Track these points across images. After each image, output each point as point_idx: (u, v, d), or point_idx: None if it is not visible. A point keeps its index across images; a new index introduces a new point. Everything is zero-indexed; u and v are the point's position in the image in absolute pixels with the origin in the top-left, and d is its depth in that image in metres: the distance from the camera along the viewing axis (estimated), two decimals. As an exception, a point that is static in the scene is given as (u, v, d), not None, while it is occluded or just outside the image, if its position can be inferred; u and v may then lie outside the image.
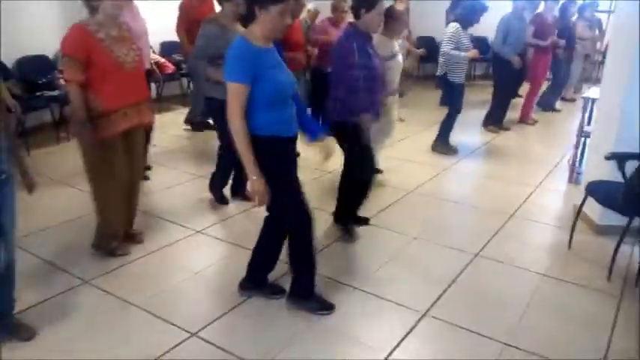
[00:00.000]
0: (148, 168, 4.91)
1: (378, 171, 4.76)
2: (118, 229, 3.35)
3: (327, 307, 2.86)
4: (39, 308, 2.80)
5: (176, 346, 2.56)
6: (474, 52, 5.27)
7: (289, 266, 2.87)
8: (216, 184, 4.22)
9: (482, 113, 6.71)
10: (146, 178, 4.55)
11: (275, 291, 2.97)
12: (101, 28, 2.98)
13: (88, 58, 2.92)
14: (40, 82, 5.33)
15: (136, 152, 3.33)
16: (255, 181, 2.50)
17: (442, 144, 5.66)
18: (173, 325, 2.71)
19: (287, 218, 2.76)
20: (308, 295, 2.86)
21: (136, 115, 3.17)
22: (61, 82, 5.42)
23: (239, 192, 4.28)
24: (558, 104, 7.84)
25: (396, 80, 4.43)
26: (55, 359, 2.44)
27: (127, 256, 3.34)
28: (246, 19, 2.56)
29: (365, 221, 3.89)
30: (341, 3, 5.39)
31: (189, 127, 6.26)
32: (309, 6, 5.98)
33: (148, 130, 3.95)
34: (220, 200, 4.20)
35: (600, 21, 8.44)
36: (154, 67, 4.82)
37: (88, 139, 2.98)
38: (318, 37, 5.39)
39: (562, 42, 6.89)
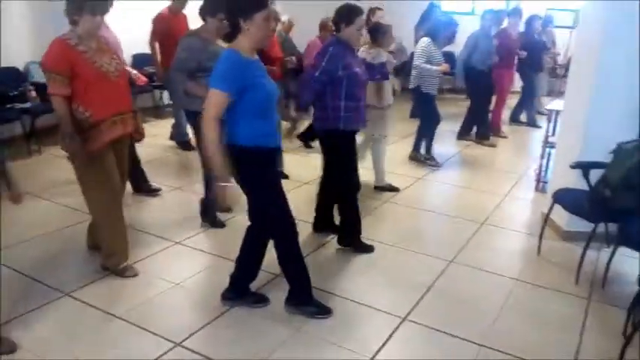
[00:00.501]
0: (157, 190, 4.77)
1: (393, 188, 4.96)
2: (123, 246, 3.29)
3: (325, 311, 2.93)
4: (19, 321, 2.77)
5: (161, 356, 2.57)
6: (445, 67, 5.44)
7: (284, 275, 2.93)
8: (209, 210, 4.06)
9: (453, 125, 6.89)
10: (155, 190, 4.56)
11: (258, 300, 3.02)
12: (81, 41, 2.99)
13: (71, 71, 2.93)
14: (10, 94, 5.27)
15: (123, 162, 3.32)
16: (226, 187, 2.55)
17: (418, 154, 5.84)
18: (156, 335, 2.72)
19: (270, 228, 2.82)
20: (306, 301, 2.92)
21: (122, 124, 3.15)
22: (32, 94, 5.38)
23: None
24: (536, 117, 7.99)
25: (390, 92, 4.74)
26: (38, 372, 2.43)
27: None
28: (231, 35, 2.58)
29: (370, 249, 3.78)
30: (328, 22, 5.54)
31: (175, 144, 6.09)
32: (283, 18, 6.11)
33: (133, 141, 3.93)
34: (215, 224, 4.05)
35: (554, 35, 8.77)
36: (132, 76, 4.80)
37: (79, 151, 2.98)
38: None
39: (523, 54, 7.16)
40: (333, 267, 3.55)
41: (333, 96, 3.40)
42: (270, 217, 2.76)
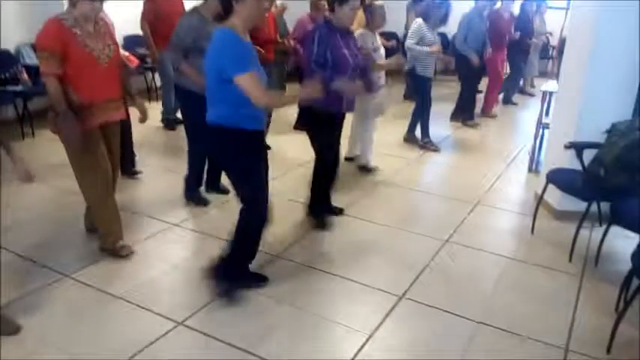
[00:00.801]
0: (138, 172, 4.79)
1: (369, 169, 5.01)
2: (117, 226, 3.32)
3: (227, 295, 2.88)
4: (20, 303, 2.79)
5: (164, 335, 2.61)
6: (436, 47, 5.43)
7: (230, 243, 2.90)
8: (191, 187, 4.13)
9: (444, 107, 6.91)
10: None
11: (258, 279, 3.04)
12: (77, 24, 2.97)
13: (63, 52, 2.92)
14: (2, 77, 5.20)
15: (114, 147, 3.33)
16: (309, 91, 2.73)
17: (412, 135, 5.85)
18: (158, 314, 2.76)
19: (245, 205, 2.82)
20: (232, 278, 2.91)
21: (110, 110, 3.16)
22: (24, 76, 5.33)
23: (214, 187, 4.30)
24: (515, 97, 8.13)
25: (381, 73, 4.71)
26: (41, 352, 2.45)
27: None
28: (224, 15, 2.56)
29: (339, 211, 4.00)
30: (320, 1, 5.50)
31: (164, 124, 6.11)
32: (277, 1, 6.06)
33: (127, 127, 3.92)
34: (199, 202, 4.10)
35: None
36: (126, 61, 4.76)
37: (72, 128, 2.95)
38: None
39: (516, 34, 7.18)
40: (329, 247, 3.59)
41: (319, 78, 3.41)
42: (246, 196, 2.79)
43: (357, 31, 4.56)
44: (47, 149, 5.02)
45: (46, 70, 2.92)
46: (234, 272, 2.94)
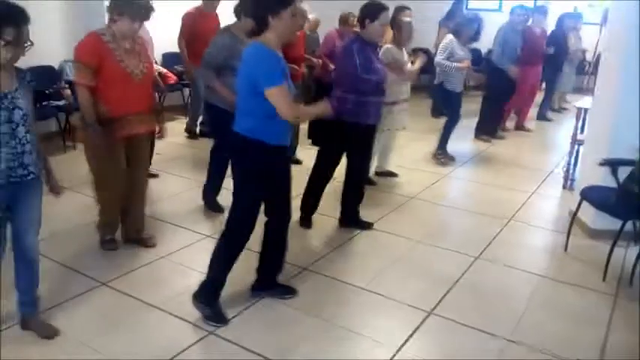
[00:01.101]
0: (155, 176, 5.04)
1: (393, 174, 5.17)
2: (113, 221, 3.51)
3: (220, 320, 2.83)
4: (60, 309, 2.89)
5: (195, 342, 2.67)
6: (466, 63, 5.42)
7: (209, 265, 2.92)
8: (208, 193, 4.27)
9: (474, 122, 6.88)
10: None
11: (286, 291, 3.09)
12: (114, 39, 3.14)
13: (98, 65, 3.08)
14: (47, 92, 5.43)
15: (139, 159, 3.48)
16: (322, 108, 2.79)
17: (442, 153, 5.82)
18: (190, 323, 2.82)
19: (231, 219, 2.85)
20: (208, 302, 2.86)
21: (140, 123, 3.31)
22: (67, 92, 5.55)
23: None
24: (550, 114, 8.03)
25: (407, 86, 4.87)
26: (78, 354, 2.54)
27: (141, 258, 3.46)
28: (258, 31, 2.63)
29: (368, 226, 4.03)
30: (350, 17, 5.58)
31: (187, 134, 6.36)
32: (310, 16, 6.17)
33: (152, 139, 4.05)
34: (214, 208, 4.22)
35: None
36: (157, 77, 4.92)
37: (96, 139, 3.13)
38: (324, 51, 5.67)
39: (550, 49, 7.13)
40: (358, 261, 3.61)
41: (356, 91, 3.48)
42: (240, 212, 2.81)
43: (385, 45, 4.64)
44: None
45: (78, 80, 3.10)
46: (207, 298, 2.87)
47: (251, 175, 2.75)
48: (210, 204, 4.28)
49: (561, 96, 8.53)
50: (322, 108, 2.83)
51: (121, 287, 3.14)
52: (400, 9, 7.51)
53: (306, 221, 3.97)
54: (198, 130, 6.37)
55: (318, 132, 3.72)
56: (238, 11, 3.79)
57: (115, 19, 3.10)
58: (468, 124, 6.58)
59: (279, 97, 2.55)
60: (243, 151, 2.72)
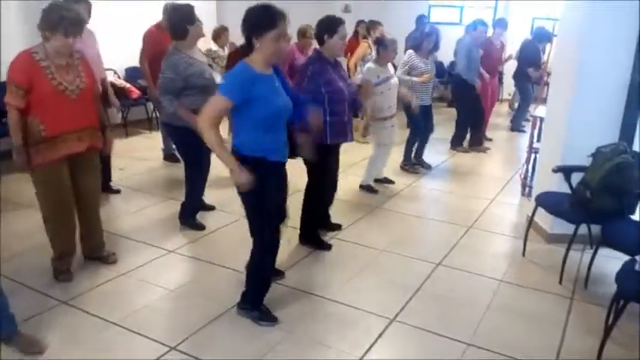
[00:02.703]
0: (117, 191, 4.99)
1: (389, 181, 5.34)
2: (65, 252, 3.40)
3: (270, 319, 2.97)
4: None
5: (157, 359, 2.65)
6: (426, 76, 5.57)
7: (246, 277, 3.01)
8: (186, 214, 4.23)
9: (440, 133, 7.01)
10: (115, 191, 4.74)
11: (264, 317, 3.00)
12: (47, 57, 3.04)
13: (29, 85, 2.99)
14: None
15: (87, 177, 3.40)
16: (236, 174, 2.63)
17: (407, 164, 5.95)
18: (152, 340, 2.80)
19: (254, 235, 2.90)
20: (254, 306, 2.99)
21: (79, 141, 3.22)
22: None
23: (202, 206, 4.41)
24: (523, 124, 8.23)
25: (394, 100, 5.01)
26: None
27: (102, 276, 3.41)
28: (247, 50, 2.69)
29: (337, 227, 4.08)
30: (308, 30, 5.64)
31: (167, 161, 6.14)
32: None
33: (103, 155, 4.00)
34: (195, 226, 4.20)
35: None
36: (109, 91, 4.87)
37: (24, 163, 3.07)
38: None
39: (508, 59, 7.41)
40: (323, 271, 3.64)
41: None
42: (259, 231, 2.87)
43: (366, 65, 4.76)
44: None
45: (8, 101, 2.99)
46: (252, 303, 3.00)
47: (251, 192, 2.74)
48: (190, 223, 4.21)
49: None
50: (232, 168, 2.63)
51: (81, 305, 3.09)
52: (372, 24, 7.74)
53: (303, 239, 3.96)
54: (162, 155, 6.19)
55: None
56: (177, 28, 3.76)
57: (48, 36, 3.01)
58: (434, 134, 6.69)
59: (211, 102, 2.62)
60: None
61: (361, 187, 5.23)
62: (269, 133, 2.69)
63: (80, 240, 3.57)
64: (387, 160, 5.41)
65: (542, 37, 7.60)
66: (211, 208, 4.53)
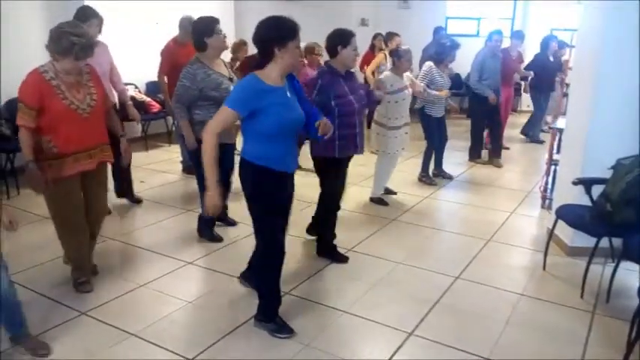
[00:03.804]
0: (140, 201, 5.05)
1: (391, 192, 5.35)
2: (82, 264, 3.44)
3: (286, 331, 2.97)
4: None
5: (174, 370, 2.67)
6: (444, 92, 5.62)
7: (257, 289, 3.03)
8: (202, 226, 4.26)
9: (456, 144, 6.99)
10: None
11: (280, 329, 2.99)
12: (58, 75, 3.07)
13: (41, 104, 3.01)
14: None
15: (94, 193, 3.43)
16: (209, 196, 2.67)
17: (425, 175, 5.94)
18: (169, 351, 2.82)
19: (258, 243, 2.91)
20: (268, 319, 2.99)
21: (90, 158, 3.26)
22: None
23: (221, 218, 4.41)
24: (543, 136, 8.17)
25: (405, 112, 5.01)
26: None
27: (120, 287, 3.46)
28: (263, 63, 2.70)
29: (344, 259, 3.92)
30: (315, 47, 5.72)
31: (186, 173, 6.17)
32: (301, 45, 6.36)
33: (123, 168, 4.00)
34: (212, 238, 4.22)
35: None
36: (129, 104, 4.95)
37: (37, 180, 3.07)
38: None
39: (529, 73, 7.33)
40: (340, 284, 3.62)
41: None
42: (260, 234, 2.88)
43: (384, 73, 4.79)
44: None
45: (20, 122, 3.02)
46: (266, 315, 3.00)
47: (252, 197, 2.81)
48: (208, 235, 4.24)
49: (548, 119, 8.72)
50: (210, 188, 2.66)
51: (100, 316, 3.13)
52: (390, 35, 7.83)
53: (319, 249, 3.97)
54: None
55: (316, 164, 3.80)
56: (198, 39, 3.81)
57: (57, 58, 3.04)
58: (451, 145, 6.66)
59: (219, 113, 2.67)
60: (245, 174, 2.79)
61: (371, 200, 5.20)
62: (275, 143, 2.70)
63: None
64: (392, 170, 5.35)
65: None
66: (233, 223, 4.49)
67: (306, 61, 5.91)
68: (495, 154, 6.84)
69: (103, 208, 3.62)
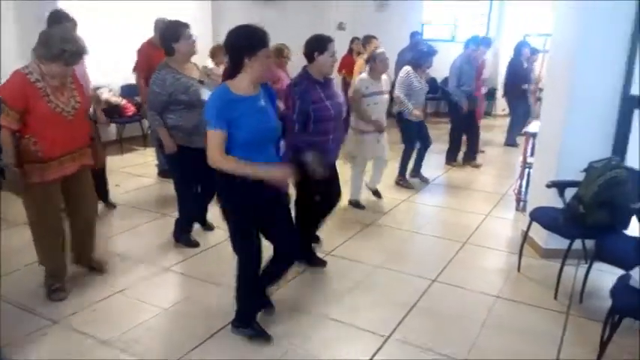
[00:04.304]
0: (113, 206, 4.98)
1: (377, 194, 5.38)
2: (56, 270, 3.39)
3: (263, 337, 2.95)
4: (8, 350, 2.79)
5: (150, 379, 2.63)
6: (418, 114, 5.68)
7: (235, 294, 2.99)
8: (179, 231, 4.21)
9: (436, 148, 7.02)
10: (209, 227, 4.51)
11: (257, 335, 2.98)
12: (42, 78, 3.03)
13: (25, 106, 2.97)
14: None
15: (81, 194, 3.42)
16: (273, 175, 2.66)
17: (402, 179, 5.98)
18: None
19: (236, 252, 2.89)
20: (245, 324, 2.97)
21: (72, 161, 3.24)
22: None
23: (200, 220, 4.40)
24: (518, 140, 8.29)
25: (381, 115, 5.00)
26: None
27: (96, 294, 3.39)
28: (233, 73, 2.67)
29: (322, 264, 3.92)
30: (284, 49, 5.70)
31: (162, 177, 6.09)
32: None
33: (97, 171, 3.95)
34: (189, 244, 4.18)
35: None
36: (96, 108, 4.90)
37: (18, 184, 3.03)
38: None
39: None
40: (318, 288, 3.62)
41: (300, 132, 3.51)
42: (237, 244, 2.86)
43: (358, 76, 4.80)
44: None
45: (3, 122, 2.95)
46: (243, 321, 2.98)
47: (228, 209, 2.78)
48: (185, 240, 4.20)
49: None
50: (267, 174, 2.66)
51: (74, 325, 3.07)
52: (367, 39, 7.88)
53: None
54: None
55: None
56: (166, 43, 3.78)
57: (44, 62, 3.00)
58: (431, 148, 6.72)
59: (209, 141, 2.60)
60: (220, 187, 2.74)
61: (350, 202, 5.22)
62: (251, 153, 2.64)
63: (72, 249, 3.58)
64: (375, 174, 5.39)
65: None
66: (211, 227, 4.46)
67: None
68: (472, 157, 6.93)
69: (93, 209, 3.59)
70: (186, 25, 3.83)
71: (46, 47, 2.98)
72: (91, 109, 4.45)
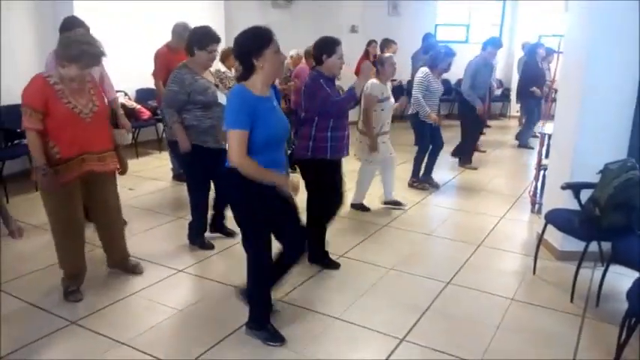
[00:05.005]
0: None
1: (397, 202, 5.29)
2: (75, 272, 3.44)
3: (277, 339, 2.95)
4: (26, 350, 2.84)
5: (165, 379, 2.65)
6: (435, 118, 5.67)
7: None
8: (193, 234, 4.25)
9: (449, 150, 7.02)
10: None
11: (271, 337, 2.98)
12: (62, 81, 3.11)
13: (45, 108, 3.05)
14: (18, 130, 5.40)
15: (107, 194, 3.49)
16: (283, 183, 2.71)
17: (416, 180, 5.96)
18: (161, 360, 2.81)
19: (247, 251, 2.90)
20: (259, 326, 2.98)
21: (99, 161, 3.30)
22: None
23: (219, 228, 4.40)
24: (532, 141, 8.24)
25: (387, 119, 4.97)
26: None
27: (111, 296, 3.43)
28: (246, 75, 2.69)
29: (335, 266, 3.93)
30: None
31: (176, 180, 6.14)
32: (292, 52, 6.46)
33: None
34: (203, 246, 4.21)
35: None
36: (120, 113, 4.96)
37: (50, 183, 3.10)
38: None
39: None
40: (331, 290, 3.62)
41: (319, 127, 3.54)
42: (249, 244, 2.88)
43: (369, 81, 4.81)
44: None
45: (27, 125, 3.05)
46: (257, 323, 2.99)
47: (238, 208, 2.80)
48: (199, 243, 4.23)
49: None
50: (280, 180, 2.73)
51: (90, 326, 3.10)
52: (386, 42, 7.91)
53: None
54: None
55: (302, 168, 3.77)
56: (190, 46, 3.82)
57: (64, 64, 3.08)
58: (444, 149, 6.71)
59: (231, 140, 2.60)
60: (228, 185, 2.77)
61: (352, 205, 5.18)
62: (266, 153, 2.68)
63: (105, 252, 3.69)
64: (387, 182, 5.33)
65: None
66: (231, 233, 4.38)
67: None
68: (466, 160, 6.97)
69: (117, 210, 3.64)
70: (216, 40, 3.84)
71: (66, 49, 3.07)
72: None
